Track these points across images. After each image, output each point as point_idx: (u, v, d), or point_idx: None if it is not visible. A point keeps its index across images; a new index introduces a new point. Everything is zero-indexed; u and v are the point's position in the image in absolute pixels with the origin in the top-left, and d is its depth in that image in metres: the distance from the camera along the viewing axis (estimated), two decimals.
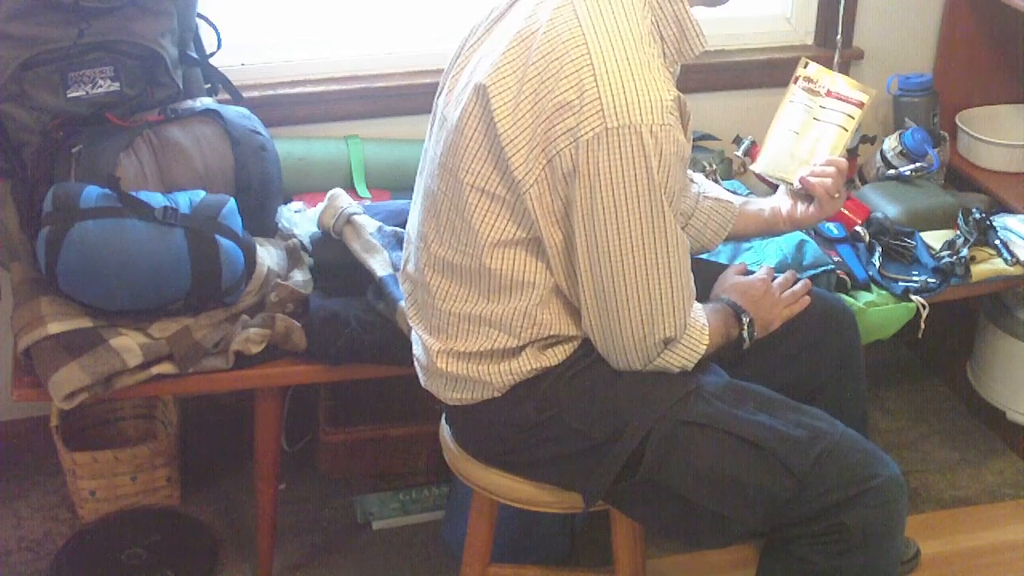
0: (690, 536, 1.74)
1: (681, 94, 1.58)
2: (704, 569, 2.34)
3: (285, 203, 2.30)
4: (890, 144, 2.52)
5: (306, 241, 2.20)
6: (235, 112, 2.16)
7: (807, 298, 1.93)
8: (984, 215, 2.39)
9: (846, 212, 2.31)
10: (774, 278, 1.94)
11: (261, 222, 2.15)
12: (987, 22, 2.75)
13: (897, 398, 2.88)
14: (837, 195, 1.97)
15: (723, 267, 2.01)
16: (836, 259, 2.27)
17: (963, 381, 2.74)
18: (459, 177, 1.63)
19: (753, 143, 2.21)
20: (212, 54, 2.22)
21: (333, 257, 2.15)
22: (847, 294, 2.22)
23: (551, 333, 1.67)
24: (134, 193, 1.95)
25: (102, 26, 1.99)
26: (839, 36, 2.71)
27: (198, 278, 1.95)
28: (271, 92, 2.47)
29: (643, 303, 1.60)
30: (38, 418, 2.54)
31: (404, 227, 1.90)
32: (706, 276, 1.93)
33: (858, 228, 2.35)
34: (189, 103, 2.14)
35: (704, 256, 2.12)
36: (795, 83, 2.10)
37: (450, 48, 1.75)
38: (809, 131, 2.06)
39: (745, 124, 2.45)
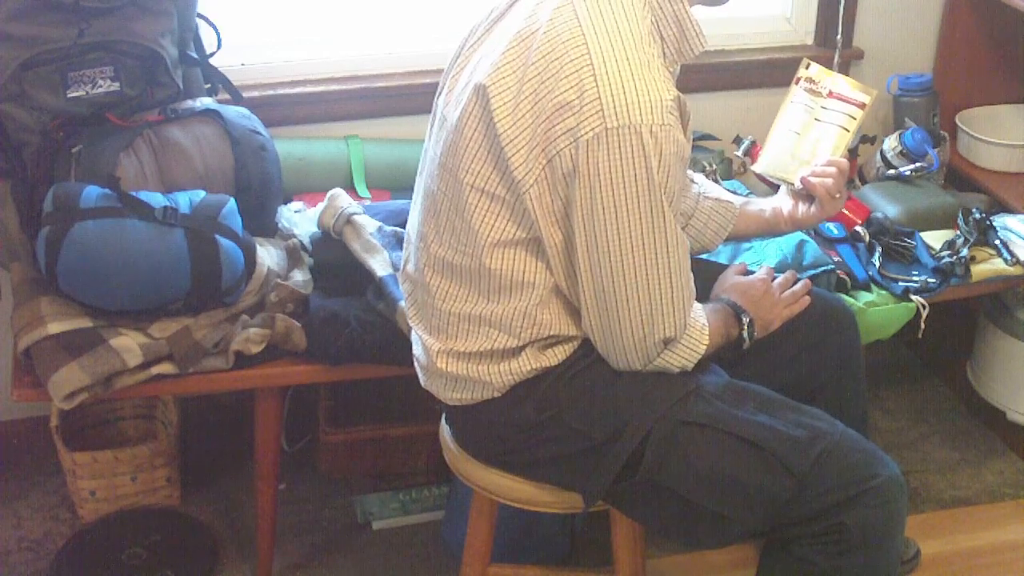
0: (690, 536, 1.74)
1: (681, 94, 1.58)
2: (704, 569, 2.34)
3: (285, 203, 2.30)
4: (890, 144, 2.52)
5: (306, 241, 2.20)
6: (235, 112, 2.16)
7: (807, 298, 1.93)
8: (984, 215, 2.39)
9: (846, 212, 2.30)
10: (774, 278, 1.94)
11: (261, 222, 2.15)
12: (987, 22, 2.75)
13: (897, 398, 2.88)
14: (838, 195, 1.97)
15: (723, 267, 2.01)
16: (836, 259, 2.27)
17: (963, 381, 2.74)
18: (459, 177, 1.62)
19: (753, 143, 2.22)
20: (212, 54, 2.22)
21: (333, 257, 2.15)
22: (847, 294, 2.22)
23: (551, 333, 1.67)
24: (134, 193, 1.95)
25: (102, 26, 1.99)
26: (839, 36, 2.71)
27: (198, 278, 1.95)
28: (271, 92, 2.47)
29: (643, 303, 1.60)
30: (38, 418, 2.54)
31: (404, 227, 1.89)
32: (706, 276, 1.93)
33: (858, 228, 2.35)
34: (189, 103, 2.14)
35: (704, 256, 2.11)
36: (797, 84, 2.10)
37: (450, 48, 1.75)
38: (810, 131, 2.06)
39: (745, 124, 2.45)
